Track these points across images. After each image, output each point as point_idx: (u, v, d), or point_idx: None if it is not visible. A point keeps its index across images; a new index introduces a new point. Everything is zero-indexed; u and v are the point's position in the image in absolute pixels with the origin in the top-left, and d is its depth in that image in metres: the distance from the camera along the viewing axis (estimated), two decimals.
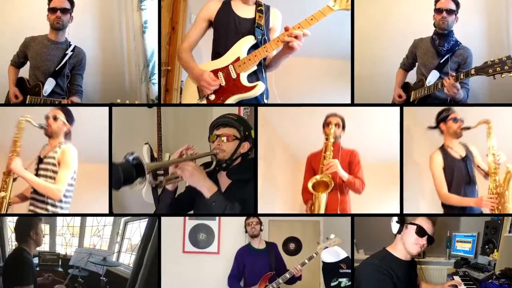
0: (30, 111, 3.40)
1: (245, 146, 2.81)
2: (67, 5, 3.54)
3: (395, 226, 2.75)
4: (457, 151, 3.36)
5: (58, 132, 3.33)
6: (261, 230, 3.68)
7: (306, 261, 3.45)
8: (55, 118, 3.31)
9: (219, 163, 2.78)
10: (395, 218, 2.76)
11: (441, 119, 3.40)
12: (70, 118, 3.37)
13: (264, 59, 3.21)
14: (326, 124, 3.43)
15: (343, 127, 3.43)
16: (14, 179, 3.28)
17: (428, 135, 3.64)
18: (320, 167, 3.34)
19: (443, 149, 3.38)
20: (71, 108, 3.42)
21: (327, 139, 3.37)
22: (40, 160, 3.32)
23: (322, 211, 3.28)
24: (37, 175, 3.30)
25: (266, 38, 3.18)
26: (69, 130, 3.37)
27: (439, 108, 3.40)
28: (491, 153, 3.22)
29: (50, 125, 3.30)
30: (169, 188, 2.80)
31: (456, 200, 3.27)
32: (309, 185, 3.29)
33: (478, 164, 3.36)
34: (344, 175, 3.32)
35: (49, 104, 3.45)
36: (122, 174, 2.35)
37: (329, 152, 3.33)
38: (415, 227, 2.68)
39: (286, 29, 3.04)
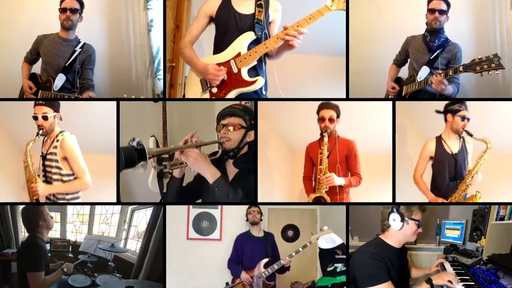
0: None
1: (251, 135, 2.79)
2: (77, 6, 3.54)
3: (397, 225, 2.69)
4: (450, 146, 3.35)
5: (52, 127, 3.33)
6: (261, 219, 3.68)
7: (300, 249, 3.47)
8: (44, 118, 3.27)
9: (226, 151, 2.76)
10: (398, 217, 2.69)
11: (451, 110, 3.32)
12: (56, 107, 3.34)
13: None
14: (320, 119, 3.37)
15: (338, 116, 3.36)
16: None
17: (419, 128, 3.64)
18: (318, 178, 3.32)
19: (439, 140, 3.38)
20: (83, 103, 3.41)
21: (321, 152, 3.31)
22: (44, 157, 3.33)
23: None
24: (44, 171, 3.32)
25: (266, 32, 3.17)
26: (60, 117, 3.35)
27: (432, 103, 3.39)
28: (473, 171, 3.24)
29: (43, 126, 3.27)
30: (176, 175, 2.80)
31: (422, 188, 3.38)
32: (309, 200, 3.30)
33: (470, 163, 3.37)
34: (341, 183, 3.29)
35: (60, 98, 3.44)
36: (123, 158, 2.39)
37: (324, 166, 3.30)
38: (417, 222, 2.69)
39: (285, 28, 3.05)
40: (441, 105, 3.36)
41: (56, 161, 3.25)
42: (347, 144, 3.38)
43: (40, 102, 3.30)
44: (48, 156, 3.29)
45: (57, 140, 3.28)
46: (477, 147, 3.30)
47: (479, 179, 3.25)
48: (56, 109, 3.34)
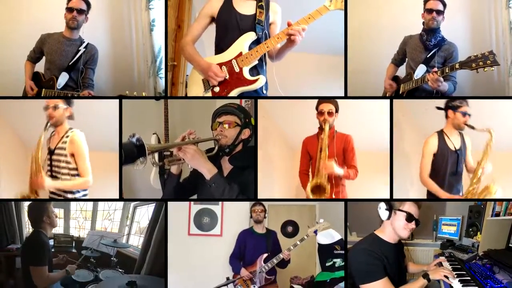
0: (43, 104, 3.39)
1: (246, 133, 2.83)
2: (84, 6, 3.54)
3: (384, 213, 2.71)
4: (453, 142, 3.33)
5: (61, 119, 3.28)
6: (265, 217, 3.70)
7: (298, 242, 3.48)
8: (55, 107, 3.24)
9: (222, 148, 2.78)
10: (383, 205, 2.71)
11: (452, 106, 3.31)
12: (68, 100, 3.32)
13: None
14: (319, 113, 3.36)
15: (337, 111, 3.35)
16: None
17: (416, 125, 3.64)
18: (316, 166, 3.31)
19: (441, 135, 3.35)
20: (86, 101, 3.41)
21: (322, 139, 3.30)
22: (51, 152, 3.30)
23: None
24: (50, 166, 3.30)
25: (266, 32, 3.18)
26: (71, 113, 3.32)
27: (427, 101, 3.39)
28: (482, 163, 3.20)
29: (52, 116, 3.24)
30: (174, 172, 2.82)
31: (433, 188, 3.28)
32: (308, 189, 3.27)
33: (468, 158, 3.36)
34: (340, 172, 3.27)
35: (62, 96, 3.44)
36: (123, 153, 2.40)
37: (324, 153, 3.28)
38: (404, 214, 2.66)
39: (289, 24, 3.06)
40: (439, 102, 3.36)
41: (65, 155, 3.22)
42: (344, 138, 3.38)
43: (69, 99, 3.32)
44: (56, 151, 3.25)
45: (67, 136, 3.25)
46: (474, 141, 3.35)
47: (489, 170, 3.21)
48: (68, 102, 3.31)
